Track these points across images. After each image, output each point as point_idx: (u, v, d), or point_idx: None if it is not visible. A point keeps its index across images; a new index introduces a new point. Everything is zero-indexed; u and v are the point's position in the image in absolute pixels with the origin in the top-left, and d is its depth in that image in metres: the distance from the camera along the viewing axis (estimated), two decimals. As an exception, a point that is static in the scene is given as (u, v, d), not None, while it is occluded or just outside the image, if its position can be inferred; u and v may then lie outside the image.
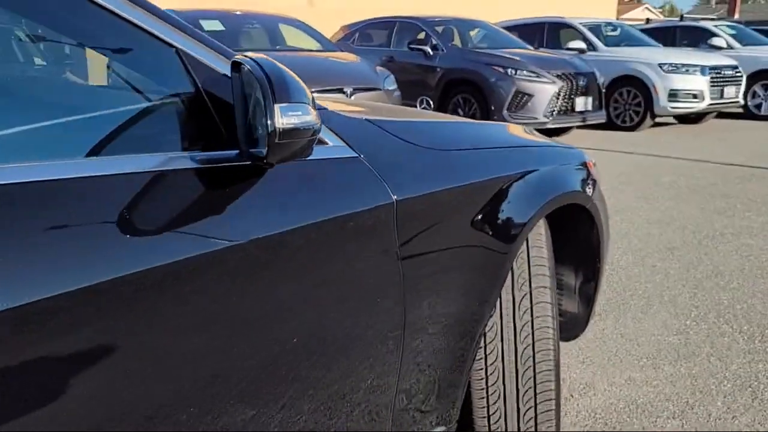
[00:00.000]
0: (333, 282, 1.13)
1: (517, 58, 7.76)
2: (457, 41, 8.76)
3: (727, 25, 11.99)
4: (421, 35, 8.50)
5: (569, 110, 7.73)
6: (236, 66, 0.95)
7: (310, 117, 0.92)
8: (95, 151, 0.96)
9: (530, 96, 7.46)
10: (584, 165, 1.88)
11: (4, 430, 0.75)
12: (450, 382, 1.45)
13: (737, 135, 8.59)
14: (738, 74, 9.41)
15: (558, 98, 7.58)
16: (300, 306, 1.08)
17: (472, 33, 9.09)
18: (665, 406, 2.07)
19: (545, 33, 10.22)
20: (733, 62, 9.47)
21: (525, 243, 1.60)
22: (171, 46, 0.97)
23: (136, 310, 0.86)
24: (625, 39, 10.21)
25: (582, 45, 9.34)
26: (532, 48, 8.94)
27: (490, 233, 1.49)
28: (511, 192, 1.57)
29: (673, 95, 8.71)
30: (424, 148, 1.38)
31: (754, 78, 10.18)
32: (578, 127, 8.20)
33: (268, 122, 0.87)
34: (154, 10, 0.97)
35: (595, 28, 10.01)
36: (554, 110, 7.57)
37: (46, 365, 0.78)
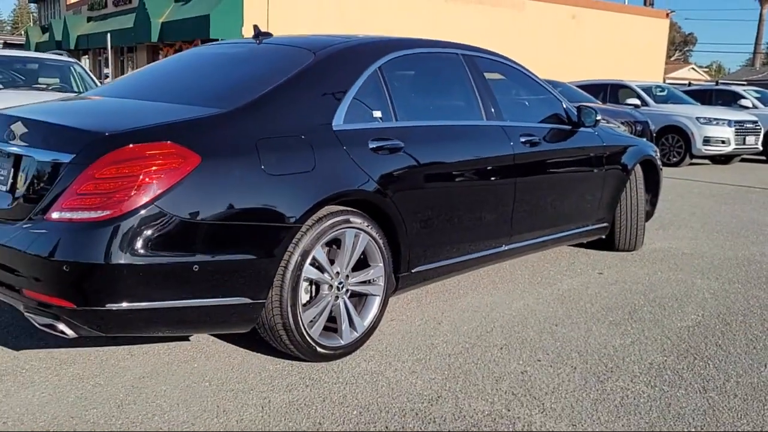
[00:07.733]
0: (592, 163, 4.28)
1: (592, 110, 10.87)
2: (543, 96, 11.90)
3: (754, 90, 14.98)
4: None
5: (629, 147, 10.75)
6: (579, 108, 4.12)
7: (600, 117, 4.07)
8: (541, 120, 4.12)
9: (601, 136, 10.53)
10: (653, 147, 4.99)
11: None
12: (610, 208, 4.57)
13: (754, 172, 11.51)
14: (757, 127, 12.32)
15: (621, 138, 10.63)
16: (576, 173, 4.22)
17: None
18: (684, 248, 5.11)
19: (608, 91, 13.34)
20: (754, 118, 12.39)
21: (634, 173, 4.71)
22: (559, 100, 4.15)
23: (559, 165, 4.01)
24: (671, 98, 13.28)
25: (637, 101, 12.40)
26: (600, 102, 12.05)
27: (621, 165, 4.61)
28: (627, 151, 4.69)
29: (706, 141, 11.68)
30: (607, 133, 4.52)
31: (773, 131, 13.10)
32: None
33: (595, 118, 4.03)
34: (555, 93, 4.13)
35: (647, 89, 13.09)
36: (618, 147, 10.62)
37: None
